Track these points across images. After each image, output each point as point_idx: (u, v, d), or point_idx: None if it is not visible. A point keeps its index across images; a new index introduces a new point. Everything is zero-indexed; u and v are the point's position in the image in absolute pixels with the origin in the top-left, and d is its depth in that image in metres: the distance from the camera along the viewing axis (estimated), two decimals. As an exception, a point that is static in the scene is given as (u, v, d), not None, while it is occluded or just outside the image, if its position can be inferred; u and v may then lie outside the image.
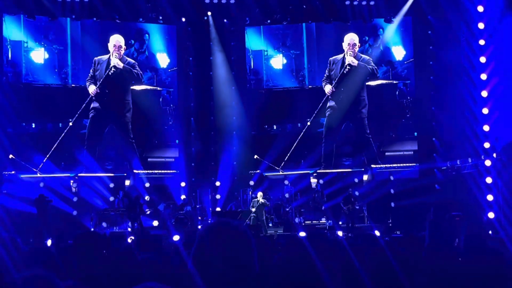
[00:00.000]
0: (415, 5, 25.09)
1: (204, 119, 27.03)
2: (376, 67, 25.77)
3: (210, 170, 26.50)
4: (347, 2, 25.76)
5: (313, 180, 25.51)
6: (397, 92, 26.24)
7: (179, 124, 26.66)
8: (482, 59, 22.52)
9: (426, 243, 3.17)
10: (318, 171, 25.65)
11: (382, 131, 26.12)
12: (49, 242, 17.67)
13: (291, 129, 26.86)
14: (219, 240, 3.05)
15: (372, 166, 25.67)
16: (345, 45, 25.76)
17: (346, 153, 26.29)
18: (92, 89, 24.94)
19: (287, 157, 25.71)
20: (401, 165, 25.67)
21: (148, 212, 23.52)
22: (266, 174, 25.93)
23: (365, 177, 25.51)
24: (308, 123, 25.95)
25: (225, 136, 26.75)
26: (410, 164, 25.65)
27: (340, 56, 25.86)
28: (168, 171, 26.21)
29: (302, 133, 25.94)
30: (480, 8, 22.54)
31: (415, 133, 26.05)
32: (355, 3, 25.76)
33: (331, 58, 26.08)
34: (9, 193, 22.65)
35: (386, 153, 26.02)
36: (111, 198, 24.70)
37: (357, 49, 25.78)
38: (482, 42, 22.57)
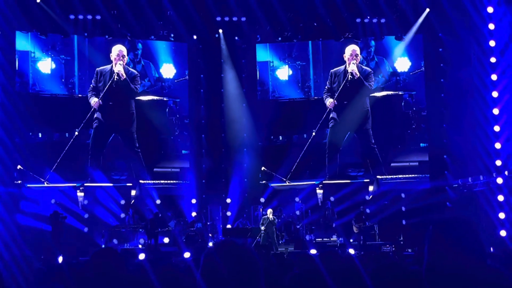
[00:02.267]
0: (426, 23, 25.14)
1: (215, 136, 27.06)
2: (372, 84, 25.75)
3: (221, 187, 26.48)
4: (358, 20, 25.83)
5: (319, 191, 25.49)
6: (402, 103, 26.23)
7: (189, 140, 26.70)
8: (494, 77, 22.50)
9: (425, 260, 3.16)
10: (323, 181, 25.62)
11: (388, 142, 26.02)
12: (60, 259, 17.73)
13: (297, 140, 26.81)
14: (224, 259, 3.04)
15: (378, 176, 25.60)
16: (346, 56, 25.77)
17: (351, 163, 26.22)
18: (93, 101, 24.91)
19: (293, 168, 25.68)
20: (407, 176, 25.62)
21: (169, 229, 23.51)
22: (272, 185, 25.94)
23: (371, 188, 25.46)
24: (313, 134, 25.90)
25: (236, 153, 26.75)
26: (415, 175, 25.58)
27: (342, 67, 25.87)
28: (174, 181, 26.17)
29: (307, 144, 25.90)
30: (491, 26, 22.55)
31: (421, 144, 26.00)
32: (366, 21, 25.83)
33: (332, 70, 26.08)
34: (22, 210, 22.71)
35: (392, 164, 25.93)
36: (122, 215, 24.73)
37: (358, 60, 25.80)
38: (493, 59, 22.56)
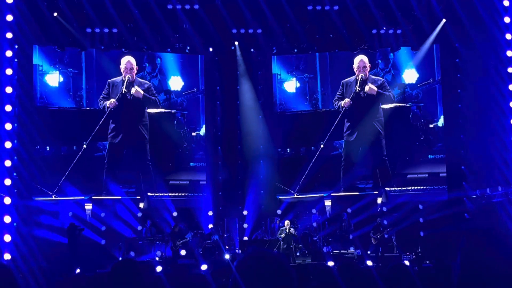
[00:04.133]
0: (443, 33, 25.06)
1: (231, 148, 27.06)
2: (391, 92, 25.73)
3: (238, 199, 26.44)
4: (374, 31, 25.80)
5: (327, 203, 25.42)
6: (410, 115, 26.12)
7: (205, 152, 26.70)
8: (511, 87, 22.39)
9: (457, 273, 3.07)
10: (332, 194, 25.55)
11: (396, 153, 25.89)
12: (77, 271, 17.76)
13: (305, 153, 26.75)
14: (258, 270, 2.96)
15: (387, 189, 25.47)
16: (355, 67, 25.76)
17: (361, 175, 26.09)
18: (109, 102, 24.84)
19: (301, 180, 25.64)
20: (415, 188, 25.48)
21: (186, 241, 23.50)
22: (280, 197, 25.94)
23: (379, 200, 25.34)
24: (322, 146, 25.84)
25: (252, 165, 26.72)
26: (424, 187, 25.44)
27: (353, 77, 25.83)
28: (185, 194, 26.13)
29: (315, 156, 25.83)
30: (508, 36, 22.48)
31: (429, 156, 25.85)
32: (382, 31, 25.80)
33: (343, 81, 26.00)
34: (38, 222, 22.80)
35: (400, 176, 25.78)
36: (139, 227, 24.74)
37: (368, 70, 25.73)
38: (510, 69, 22.46)
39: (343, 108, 25.66)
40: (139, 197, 25.14)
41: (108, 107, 24.88)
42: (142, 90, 25.38)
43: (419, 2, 24.92)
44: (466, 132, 25.04)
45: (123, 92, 24.98)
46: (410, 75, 26.17)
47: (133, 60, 25.39)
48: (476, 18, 23.20)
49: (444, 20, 24.92)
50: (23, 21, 22.81)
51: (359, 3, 25.04)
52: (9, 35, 22.49)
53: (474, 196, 24.29)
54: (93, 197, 24.33)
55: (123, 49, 25.45)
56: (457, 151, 25.11)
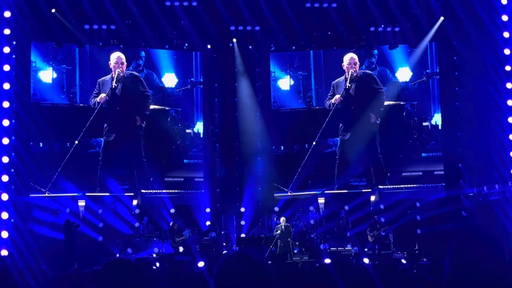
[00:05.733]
0: (441, 31, 25.08)
1: (229, 145, 27.05)
2: (382, 87, 25.72)
3: (235, 196, 26.43)
4: (372, 29, 25.80)
5: (321, 200, 25.45)
6: (404, 113, 26.11)
7: (203, 149, 26.68)
8: (509, 85, 22.42)
9: (446, 273, 3.07)
10: (325, 191, 25.57)
11: (390, 152, 25.85)
12: (74, 268, 17.76)
13: (299, 150, 26.74)
14: (238, 273, 2.96)
15: (380, 186, 25.47)
16: (345, 65, 25.71)
17: (355, 173, 26.07)
18: (100, 96, 24.73)
19: (294, 178, 25.66)
20: (409, 186, 25.48)
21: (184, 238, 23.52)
22: (275, 195, 25.98)
23: (372, 198, 25.34)
24: (314, 143, 25.82)
25: (250, 162, 26.71)
26: (417, 185, 25.46)
27: (342, 77, 25.82)
28: (179, 191, 26.06)
29: (308, 154, 25.82)
30: (506, 34, 22.50)
31: (423, 154, 25.83)
32: (380, 29, 25.80)
33: (333, 82, 25.98)
34: (35, 218, 22.81)
35: (394, 174, 25.76)
36: (136, 224, 24.73)
37: (357, 67, 25.73)
38: (508, 68, 22.49)
39: (334, 105, 25.69)
40: (132, 194, 25.07)
41: (98, 102, 24.84)
42: (135, 82, 25.36)
43: (417, 0, 24.93)
44: (463, 130, 25.05)
45: (113, 86, 24.91)
46: (403, 73, 26.15)
47: (122, 56, 25.27)
48: (474, 16, 23.22)
49: (442, 18, 24.92)
50: (21, 18, 22.80)
51: (357, 0, 25.05)
52: (7, 31, 22.48)
53: (471, 194, 24.31)
54: (86, 194, 24.29)
55: (121, 46, 25.43)
56: (454, 149, 25.11)
